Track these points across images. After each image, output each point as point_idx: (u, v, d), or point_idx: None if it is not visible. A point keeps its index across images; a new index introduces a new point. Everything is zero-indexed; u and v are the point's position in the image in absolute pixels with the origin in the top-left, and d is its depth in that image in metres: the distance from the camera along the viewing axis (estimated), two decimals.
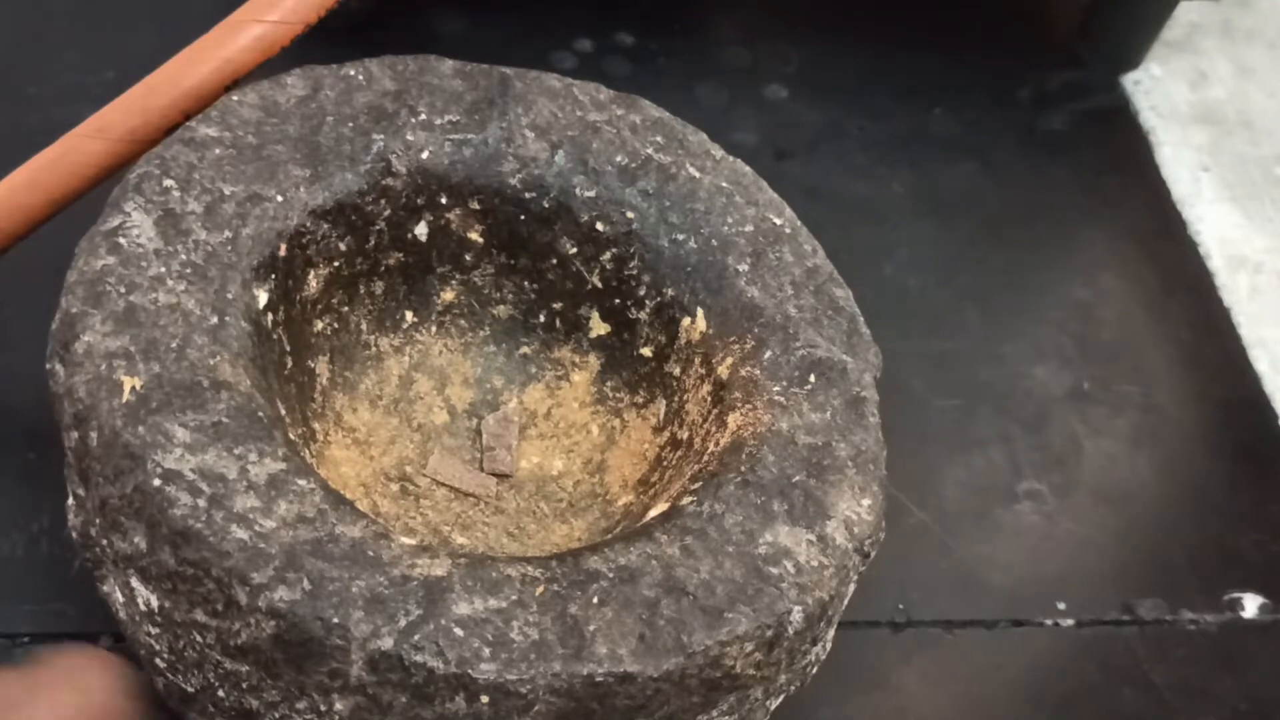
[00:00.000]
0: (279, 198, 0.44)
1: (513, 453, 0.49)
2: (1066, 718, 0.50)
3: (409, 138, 0.46)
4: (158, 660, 0.39)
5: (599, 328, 0.50)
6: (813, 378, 0.44)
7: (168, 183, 0.42)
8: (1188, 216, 0.69)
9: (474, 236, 0.48)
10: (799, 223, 0.49)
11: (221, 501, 0.36)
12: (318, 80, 0.47)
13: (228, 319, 0.41)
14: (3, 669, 0.35)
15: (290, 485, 0.37)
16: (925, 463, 0.56)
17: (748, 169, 0.50)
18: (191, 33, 0.47)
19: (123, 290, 0.40)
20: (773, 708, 0.42)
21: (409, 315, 0.49)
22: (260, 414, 0.39)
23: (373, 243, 0.47)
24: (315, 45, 0.49)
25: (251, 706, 0.37)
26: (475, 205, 0.48)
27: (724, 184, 0.49)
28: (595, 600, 0.37)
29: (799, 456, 0.42)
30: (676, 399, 0.48)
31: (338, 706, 0.36)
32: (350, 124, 0.46)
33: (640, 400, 0.49)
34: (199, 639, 0.37)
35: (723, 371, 0.45)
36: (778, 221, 0.48)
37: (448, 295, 0.49)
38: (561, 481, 0.48)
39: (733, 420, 0.44)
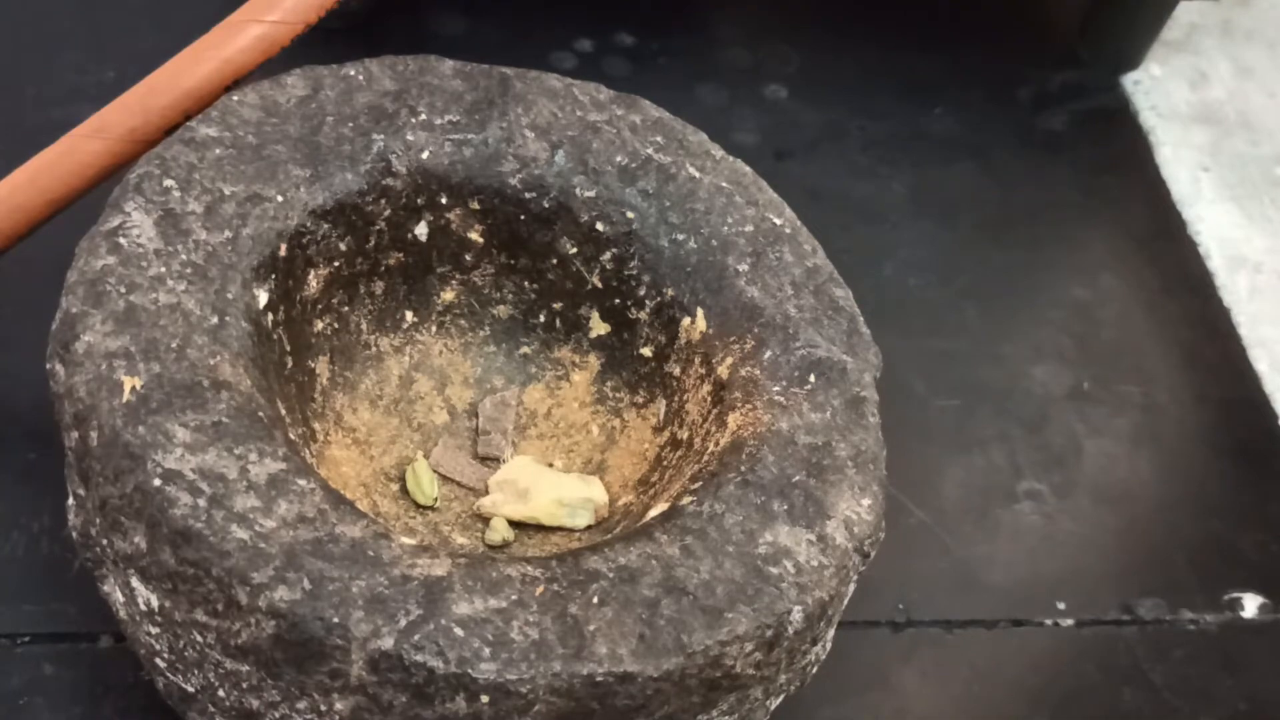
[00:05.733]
0: (279, 198, 0.44)
1: (508, 437, 0.49)
2: (1066, 718, 0.50)
3: (409, 138, 0.46)
4: (158, 660, 0.39)
5: (599, 328, 0.50)
6: (813, 378, 0.44)
7: (168, 183, 0.42)
8: (1188, 216, 0.69)
9: (474, 236, 0.49)
10: (799, 223, 0.49)
11: (222, 501, 0.36)
12: (318, 80, 0.47)
13: (228, 319, 0.41)
14: None
15: (290, 485, 0.37)
16: (925, 463, 0.56)
17: (748, 169, 0.50)
18: (191, 33, 0.47)
19: (123, 290, 0.40)
20: (773, 708, 0.42)
21: (409, 315, 0.49)
22: (260, 414, 0.39)
23: (373, 243, 0.47)
24: (315, 45, 0.49)
25: (252, 706, 0.37)
26: (475, 205, 0.48)
27: (724, 184, 0.49)
28: (595, 600, 0.37)
29: (799, 456, 0.42)
30: (676, 399, 0.48)
31: (338, 706, 0.36)
32: (350, 124, 0.46)
33: (640, 400, 0.49)
34: (199, 639, 0.37)
35: (723, 371, 0.46)
36: (778, 221, 0.48)
37: (448, 295, 0.49)
38: None
39: (733, 420, 0.44)
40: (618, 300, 0.49)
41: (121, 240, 0.41)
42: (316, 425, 0.46)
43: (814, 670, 0.43)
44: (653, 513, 0.42)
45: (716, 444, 0.44)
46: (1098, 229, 0.67)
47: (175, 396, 0.38)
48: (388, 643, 0.35)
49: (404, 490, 0.47)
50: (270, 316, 0.43)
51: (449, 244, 0.49)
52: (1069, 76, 0.74)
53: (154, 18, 0.64)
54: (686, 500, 0.41)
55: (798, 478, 0.42)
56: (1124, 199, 0.69)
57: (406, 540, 0.38)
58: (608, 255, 0.48)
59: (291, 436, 0.41)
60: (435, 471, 0.48)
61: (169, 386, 0.38)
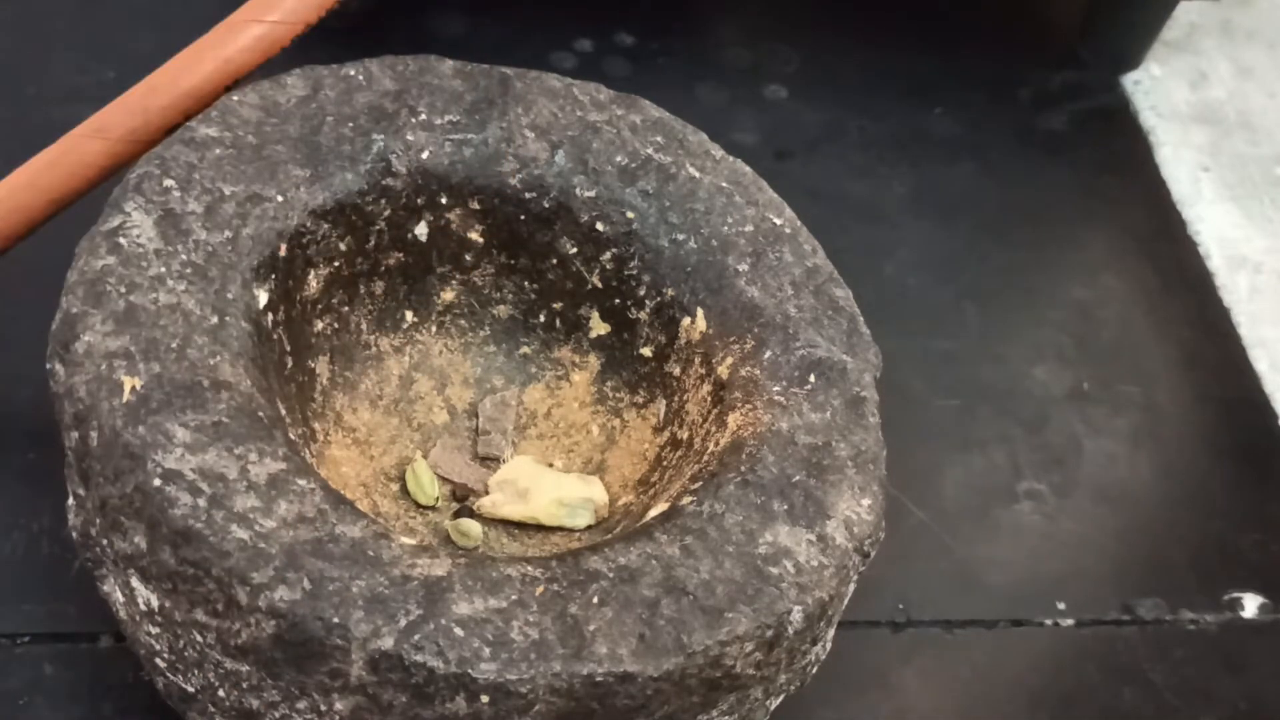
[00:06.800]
0: (279, 198, 0.44)
1: (508, 437, 0.49)
2: (1066, 718, 0.50)
3: (409, 138, 0.46)
4: (158, 660, 0.39)
5: (599, 328, 0.50)
6: (813, 378, 0.44)
7: (168, 183, 0.42)
8: (1188, 216, 0.69)
9: (474, 236, 0.49)
10: (799, 223, 0.49)
11: (222, 501, 0.36)
12: (318, 80, 0.47)
13: (228, 319, 0.41)
14: None
15: (290, 485, 0.37)
16: (925, 463, 0.56)
17: (748, 169, 0.50)
18: (191, 33, 0.47)
19: (123, 290, 0.40)
20: (773, 707, 0.42)
21: (409, 315, 0.49)
22: (260, 414, 0.39)
23: (373, 243, 0.47)
24: (315, 45, 0.49)
25: (252, 706, 0.37)
26: (475, 205, 0.48)
27: (724, 184, 0.49)
28: (595, 600, 0.37)
29: (799, 456, 0.42)
30: (676, 399, 0.48)
31: (338, 706, 0.36)
32: (350, 124, 0.46)
33: (640, 400, 0.49)
34: (199, 639, 0.37)
35: (723, 371, 0.46)
36: (778, 221, 0.48)
37: (448, 295, 0.49)
38: None
39: (733, 420, 0.44)
40: (618, 300, 0.49)
41: (121, 240, 0.41)
42: (316, 425, 0.46)
43: (814, 670, 0.43)
44: (653, 513, 0.42)
45: (716, 444, 0.44)
46: (1098, 229, 0.67)
47: (175, 396, 0.38)
48: (388, 643, 0.35)
49: (404, 490, 0.47)
50: (270, 316, 0.43)
51: (449, 244, 0.49)
52: (1069, 76, 0.74)
53: (154, 18, 0.64)
54: (686, 500, 0.41)
55: (798, 478, 0.42)
56: (1124, 199, 0.69)
57: (406, 540, 0.38)
58: (608, 255, 0.48)
59: (291, 436, 0.42)
60: (434, 472, 0.48)
61: (169, 386, 0.38)
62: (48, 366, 0.39)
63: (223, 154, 0.44)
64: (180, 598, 0.37)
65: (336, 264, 0.46)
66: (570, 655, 0.36)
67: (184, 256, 0.41)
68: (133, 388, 0.38)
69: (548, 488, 0.46)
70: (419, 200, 0.47)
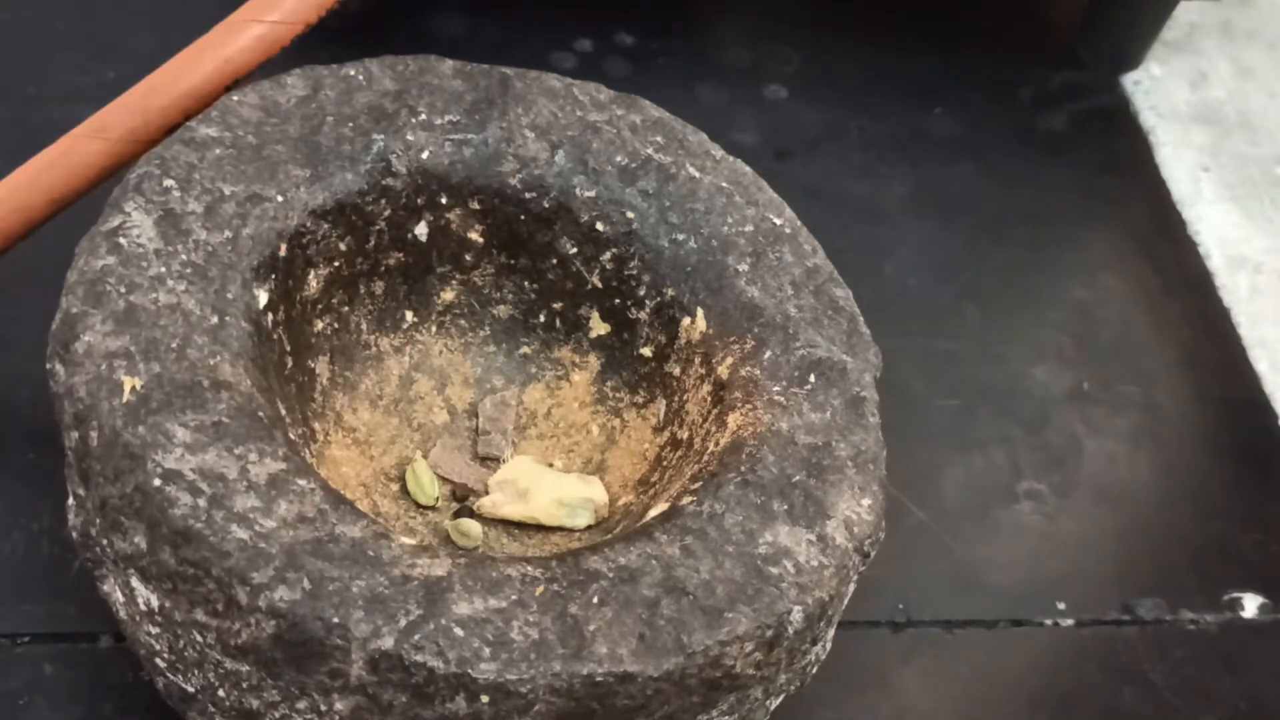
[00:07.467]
0: (279, 198, 0.44)
1: (508, 437, 0.49)
2: (1066, 718, 0.50)
3: (409, 138, 0.46)
4: (158, 660, 0.39)
5: (599, 328, 0.50)
6: (813, 378, 0.44)
7: (168, 183, 0.42)
8: (1188, 216, 0.69)
9: (474, 236, 0.49)
10: (799, 223, 0.49)
11: (222, 501, 0.36)
12: (318, 80, 0.47)
13: (228, 319, 0.41)
14: None
15: (290, 485, 0.37)
16: (925, 463, 0.56)
17: (748, 169, 0.50)
18: (191, 33, 0.47)
19: (123, 290, 0.40)
20: (773, 707, 0.42)
21: (409, 315, 0.49)
22: (260, 414, 0.39)
23: (373, 243, 0.47)
24: (315, 45, 0.49)
25: (252, 706, 0.37)
26: (475, 205, 0.48)
27: (724, 184, 0.49)
28: (595, 600, 0.37)
29: (799, 456, 0.42)
30: (676, 399, 0.48)
31: (338, 706, 0.36)
32: (350, 124, 0.46)
33: (640, 400, 0.49)
34: (199, 639, 0.37)
35: (723, 371, 0.46)
36: (778, 221, 0.48)
37: (448, 295, 0.49)
38: None
39: (733, 420, 0.44)
40: (618, 300, 0.49)
41: (121, 240, 0.41)
42: (316, 425, 0.46)
43: (814, 670, 0.43)
44: (653, 513, 0.42)
45: (716, 444, 0.44)
46: (1098, 229, 0.67)
47: (175, 396, 0.38)
48: (388, 643, 0.35)
49: (404, 490, 0.47)
50: (270, 316, 0.43)
51: (449, 244, 0.49)
52: (1069, 76, 0.74)
53: (154, 18, 0.64)
54: (686, 500, 0.41)
55: (798, 478, 0.42)
56: (1124, 199, 0.69)
57: (406, 540, 0.38)
58: (608, 255, 0.48)
59: (291, 436, 0.42)
60: (434, 472, 0.48)
61: (169, 386, 0.38)
62: (48, 366, 0.39)
63: (223, 154, 0.44)
64: (180, 598, 0.37)
65: (336, 264, 0.46)
66: (570, 655, 0.36)
67: (184, 256, 0.41)
68: (133, 388, 0.38)
69: (548, 488, 0.46)
70: (419, 200, 0.47)
